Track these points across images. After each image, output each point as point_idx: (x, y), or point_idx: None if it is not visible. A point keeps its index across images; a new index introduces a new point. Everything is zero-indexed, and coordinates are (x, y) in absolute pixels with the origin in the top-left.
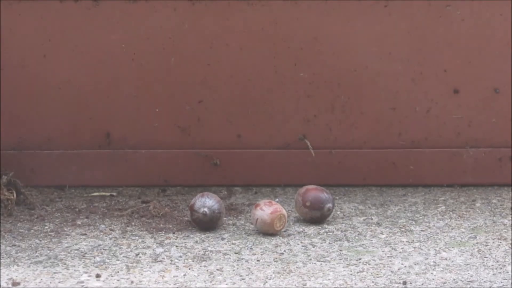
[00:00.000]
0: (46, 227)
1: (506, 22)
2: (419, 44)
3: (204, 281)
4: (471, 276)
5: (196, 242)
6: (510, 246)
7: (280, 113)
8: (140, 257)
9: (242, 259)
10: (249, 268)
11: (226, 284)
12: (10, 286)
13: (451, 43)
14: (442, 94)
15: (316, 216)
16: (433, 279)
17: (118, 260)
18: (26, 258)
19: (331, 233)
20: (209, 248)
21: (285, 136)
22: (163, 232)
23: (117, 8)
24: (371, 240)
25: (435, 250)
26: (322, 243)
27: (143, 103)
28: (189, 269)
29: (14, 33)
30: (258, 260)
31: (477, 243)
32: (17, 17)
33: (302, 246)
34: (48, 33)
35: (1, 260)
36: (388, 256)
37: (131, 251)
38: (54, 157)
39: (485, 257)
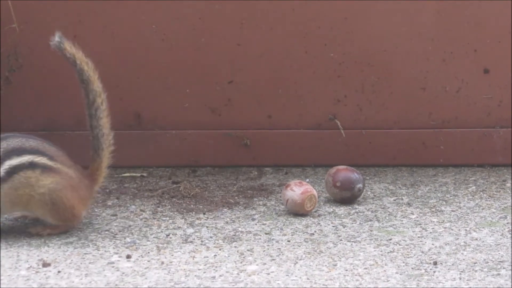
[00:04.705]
0: None
1: None
2: (449, 23)
3: (235, 261)
4: (502, 256)
5: (227, 222)
6: None
7: (310, 94)
8: (170, 237)
9: (273, 239)
10: (279, 248)
11: (257, 264)
12: (40, 267)
13: (481, 22)
14: (472, 74)
15: (346, 196)
16: (463, 259)
17: (149, 240)
18: (57, 239)
19: (361, 214)
20: (240, 229)
21: (316, 116)
22: (194, 212)
23: None
24: (402, 221)
25: (466, 230)
26: (352, 223)
27: (173, 83)
28: (220, 249)
29: (42, 13)
30: (288, 241)
31: (507, 223)
32: None
33: (333, 226)
34: (78, 14)
35: (32, 241)
36: (418, 237)
37: (162, 231)
38: (84, 138)
39: None
